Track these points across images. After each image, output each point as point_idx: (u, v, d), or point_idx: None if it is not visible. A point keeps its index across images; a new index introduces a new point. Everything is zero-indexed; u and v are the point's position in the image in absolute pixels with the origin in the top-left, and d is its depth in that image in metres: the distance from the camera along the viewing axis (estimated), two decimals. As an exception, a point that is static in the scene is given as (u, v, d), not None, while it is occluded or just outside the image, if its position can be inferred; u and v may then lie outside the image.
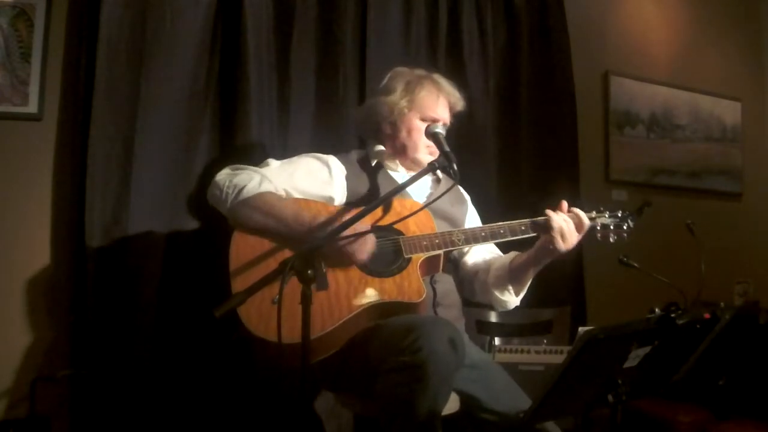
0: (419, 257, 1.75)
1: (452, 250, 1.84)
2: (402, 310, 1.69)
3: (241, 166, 1.86)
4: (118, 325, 2.16)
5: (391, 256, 1.75)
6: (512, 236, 1.81)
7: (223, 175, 1.82)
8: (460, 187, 2.13)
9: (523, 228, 1.81)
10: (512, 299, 1.96)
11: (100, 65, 2.20)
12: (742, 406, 2.52)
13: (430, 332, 1.48)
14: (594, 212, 1.87)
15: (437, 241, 1.77)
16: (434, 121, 1.93)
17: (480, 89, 2.88)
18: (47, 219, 2.24)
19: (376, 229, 1.74)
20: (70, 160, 2.25)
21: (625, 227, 1.86)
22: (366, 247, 1.68)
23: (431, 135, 1.85)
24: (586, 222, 1.81)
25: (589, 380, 1.31)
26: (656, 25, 3.63)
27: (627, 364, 1.32)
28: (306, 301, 1.28)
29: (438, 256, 1.79)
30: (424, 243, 1.76)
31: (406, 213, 1.78)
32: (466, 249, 2.00)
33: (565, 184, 3.00)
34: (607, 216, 1.87)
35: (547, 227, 1.79)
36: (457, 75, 2.81)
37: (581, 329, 1.32)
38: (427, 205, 1.78)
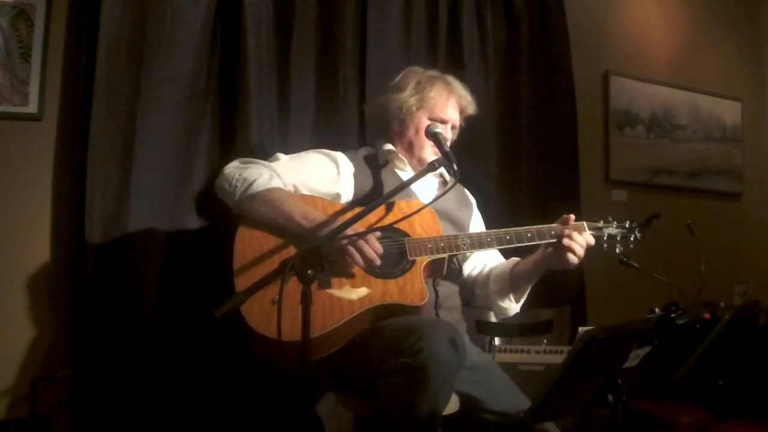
0: (423, 260, 1.75)
1: (457, 254, 1.84)
2: (404, 313, 1.69)
3: (251, 159, 1.86)
4: (118, 325, 2.16)
5: (395, 258, 1.75)
6: (518, 243, 1.80)
7: (232, 168, 1.82)
8: (467, 191, 2.13)
9: (529, 235, 1.80)
10: (513, 306, 1.96)
11: (100, 65, 2.20)
12: (742, 406, 2.52)
13: (431, 333, 1.48)
14: (601, 222, 1.85)
15: (442, 244, 1.76)
16: (443, 121, 1.93)
17: (480, 89, 2.87)
18: (47, 219, 2.24)
19: (380, 229, 1.73)
20: (70, 160, 2.25)
21: (632, 238, 1.85)
22: (368, 255, 1.66)
23: (431, 135, 1.85)
24: (591, 243, 1.80)
25: (589, 380, 1.31)
26: (656, 25, 3.63)
27: (627, 364, 1.32)
28: (306, 301, 1.28)
29: (442, 259, 1.78)
30: (429, 246, 1.76)
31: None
32: (469, 253, 2.00)
33: (565, 184, 3.01)
34: (614, 226, 1.85)
35: (557, 239, 1.77)
36: (457, 75, 2.79)
37: (581, 329, 1.32)
38: (427, 205, 1.77)
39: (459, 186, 2.01)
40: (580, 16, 3.24)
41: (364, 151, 1.99)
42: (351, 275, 1.70)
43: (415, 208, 1.79)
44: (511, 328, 2.54)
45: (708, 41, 3.78)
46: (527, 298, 2.03)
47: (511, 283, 1.90)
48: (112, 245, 2.19)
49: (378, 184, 1.88)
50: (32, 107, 2.23)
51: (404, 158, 1.97)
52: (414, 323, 1.56)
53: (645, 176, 3.49)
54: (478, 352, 1.84)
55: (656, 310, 1.29)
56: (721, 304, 1.58)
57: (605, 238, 1.84)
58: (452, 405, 1.65)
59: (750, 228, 3.83)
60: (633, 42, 3.52)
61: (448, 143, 1.94)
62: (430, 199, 1.92)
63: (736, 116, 3.84)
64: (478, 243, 1.80)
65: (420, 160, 1.94)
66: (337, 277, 1.70)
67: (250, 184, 1.75)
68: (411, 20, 2.76)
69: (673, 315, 1.27)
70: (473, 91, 2.81)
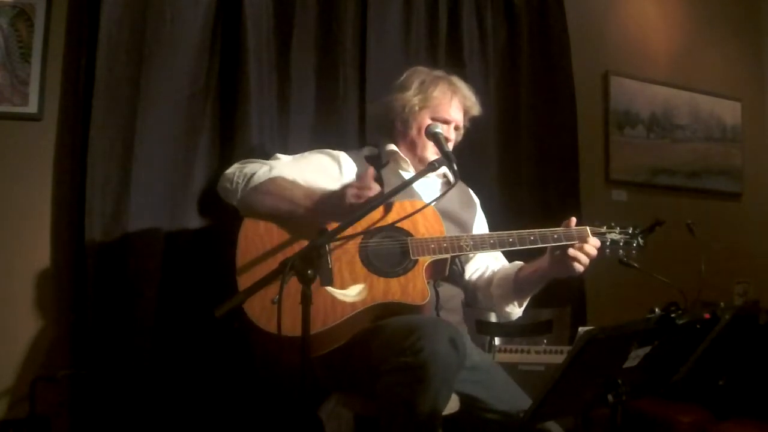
0: (426, 260, 1.75)
1: (459, 255, 1.84)
2: (405, 312, 1.69)
3: (250, 159, 1.86)
4: (118, 325, 2.16)
5: (397, 257, 1.75)
6: (521, 245, 1.79)
7: (233, 168, 1.84)
8: (471, 191, 2.13)
9: (532, 238, 1.79)
10: (516, 311, 1.96)
11: (100, 65, 2.20)
12: (742, 406, 2.52)
13: (431, 333, 1.48)
14: (604, 227, 1.84)
15: (445, 245, 1.76)
16: (445, 122, 1.93)
17: (480, 89, 2.86)
18: (47, 219, 2.24)
19: (383, 228, 1.73)
20: (70, 160, 2.25)
21: (634, 244, 1.84)
22: (369, 187, 1.64)
23: (431, 135, 1.85)
24: (598, 245, 1.79)
25: (589, 380, 1.31)
26: (656, 25, 3.63)
27: (627, 364, 1.32)
28: (306, 301, 1.28)
29: (444, 260, 1.78)
30: (432, 246, 1.76)
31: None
32: (471, 255, 2.00)
33: (565, 184, 3.01)
34: (617, 232, 1.85)
35: (561, 250, 1.77)
36: (458, 75, 2.80)
37: (581, 329, 1.32)
38: (429, 204, 1.77)
39: (463, 186, 2.01)
40: (580, 16, 3.24)
41: (366, 151, 1.99)
42: (354, 272, 1.70)
43: (416, 207, 1.79)
44: (511, 328, 2.53)
45: (708, 41, 3.78)
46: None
47: (515, 289, 1.90)
48: (112, 245, 2.19)
49: (380, 184, 1.88)
50: (32, 107, 2.23)
51: (407, 158, 1.97)
52: (415, 322, 1.56)
53: (645, 176, 3.49)
54: (479, 352, 1.84)
55: (656, 310, 1.29)
56: (721, 304, 1.58)
57: (608, 244, 1.83)
58: (453, 405, 1.65)
59: (750, 228, 3.83)
60: (633, 42, 3.52)
61: (451, 144, 1.94)
62: (431, 198, 1.93)
63: (736, 116, 3.84)
64: (481, 245, 1.80)
65: (422, 160, 1.94)
66: (340, 273, 1.70)
67: (251, 178, 1.76)
68: (411, 20, 2.76)
69: (673, 315, 1.27)
70: (473, 91, 2.83)
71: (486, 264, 2.02)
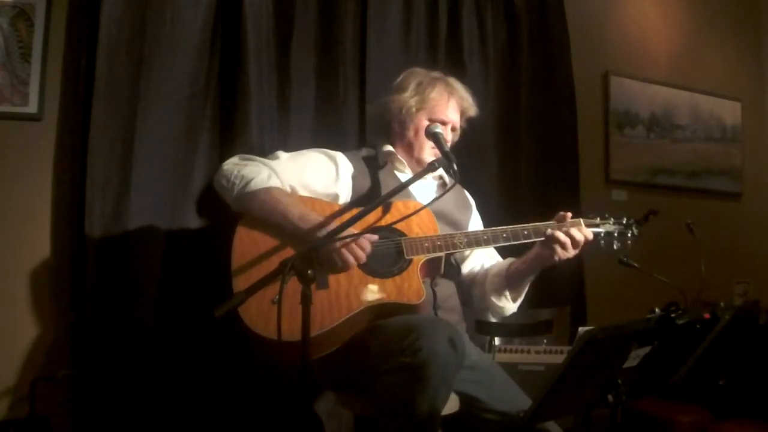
0: (420, 259, 1.75)
1: (454, 253, 1.84)
2: (401, 311, 1.70)
3: (250, 156, 1.86)
4: (118, 325, 2.16)
5: (392, 257, 1.75)
6: (514, 240, 1.81)
7: (231, 165, 1.83)
8: (466, 192, 2.13)
9: (526, 233, 1.80)
10: (509, 305, 1.96)
11: (100, 65, 2.19)
12: (742, 406, 2.52)
13: (430, 332, 1.48)
14: (598, 218, 1.85)
15: (439, 243, 1.77)
16: (443, 123, 1.93)
17: (480, 89, 2.87)
18: (47, 219, 2.24)
19: (378, 229, 1.74)
20: (70, 160, 2.25)
21: (629, 235, 1.85)
22: (358, 255, 1.67)
23: (431, 135, 1.85)
24: (590, 238, 1.80)
25: (589, 380, 1.31)
26: (656, 25, 3.63)
27: (627, 364, 1.32)
28: (306, 301, 1.28)
29: (439, 258, 1.79)
30: (426, 245, 1.76)
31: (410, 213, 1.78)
32: (466, 253, 2.00)
33: (565, 184, 3.01)
34: (611, 223, 1.86)
35: (549, 235, 1.78)
36: (457, 75, 2.79)
37: (581, 329, 1.32)
38: (429, 204, 1.77)
39: (458, 187, 2.01)
40: (580, 16, 3.24)
41: (364, 152, 1.99)
42: (349, 274, 1.71)
43: (412, 209, 1.79)
44: (511, 328, 2.53)
45: (708, 41, 3.78)
46: (527, 298, 2.02)
47: (507, 281, 1.90)
48: (112, 245, 2.18)
49: (376, 185, 1.88)
50: (32, 107, 2.23)
51: (404, 159, 1.97)
52: (413, 322, 1.56)
53: (645, 176, 3.49)
54: (477, 351, 1.84)
55: (656, 310, 1.29)
56: (721, 304, 1.58)
57: (602, 235, 1.84)
58: (452, 405, 1.65)
59: (750, 228, 3.83)
60: (633, 42, 3.52)
61: (448, 145, 1.94)
62: (428, 199, 1.93)
63: (736, 116, 3.84)
64: (475, 241, 1.81)
65: (419, 161, 1.94)
66: (336, 276, 1.70)
67: (248, 182, 1.75)
68: (411, 20, 2.76)
69: (673, 315, 1.27)
70: (473, 91, 2.83)
71: (481, 262, 2.02)
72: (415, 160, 1.95)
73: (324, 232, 1.66)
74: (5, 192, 2.20)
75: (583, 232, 1.78)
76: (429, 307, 1.80)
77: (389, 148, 1.98)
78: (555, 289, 2.83)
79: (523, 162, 2.96)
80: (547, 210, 2.54)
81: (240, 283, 1.68)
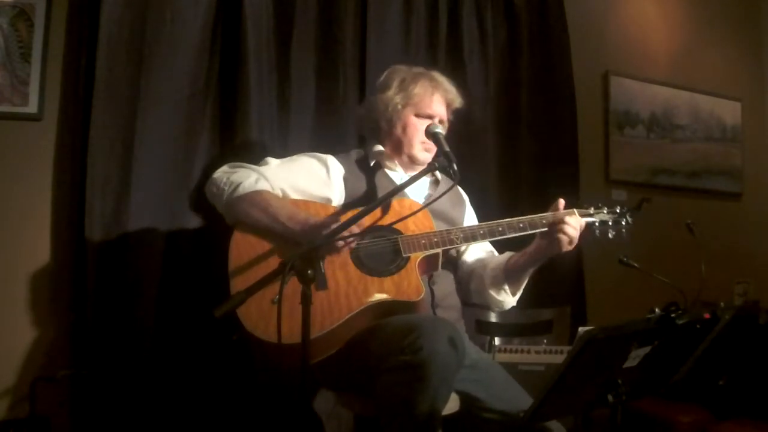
0: (417, 256, 1.75)
1: (451, 249, 1.84)
2: (401, 309, 1.69)
3: (239, 163, 1.86)
4: (118, 325, 2.16)
5: (389, 256, 1.76)
6: (511, 234, 1.81)
7: (221, 173, 1.83)
8: (460, 188, 2.13)
9: (521, 225, 1.81)
10: (508, 299, 1.95)
11: (100, 65, 2.20)
12: (742, 406, 2.52)
13: (430, 331, 1.48)
14: (592, 208, 1.87)
15: (436, 239, 1.77)
16: (429, 117, 1.93)
17: (480, 89, 2.88)
18: (47, 219, 2.24)
19: (374, 228, 1.74)
20: (70, 160, 2.25)
21: (623, 223, 1.86)
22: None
23: (431, 135, 1.85)
24: (582, 224, 1.80)
25: (589, 380, 1.31)
26: (656, 25, 3.63)
27: (627, 364, 1.32)
28: (306, 301, 1.28)
29: (436, 254, 1.79)
30: (423, 242, 1.76)
31: (406, 213, 1.78)
32: (463, 248, 2.00)
33: (565, 184, 3.00)
34: (605, 212, 1.87)
35: (548, 226, 1.78)
36: (457, 75, 2.80)
37: (581, 329, 1.32)
38: (426, 206, 1.78)
39: (451, 183, 2.01)
40: (580, 16, 3.24)
41: (355, 154, 1.99)
42: (348, 275, 1.71)
43: (408, 207, 1.80)
44: (510, 328, 2.54)
45: (708, 41, 3.78)
46: (527, 298, 2.02)
47: (506, 274, 1.90)
48: (112, 245, 2.19)
49: (368, 185, 1.89)
50: (32, 107, 2.23)
51: (394, 158, 1.97)
52: (413, 321, 1.56)
53: (645, 176, 3.49)
54: (477, 350, 1.84)
55: (656, 310, 1.29)
56: (721, 304, 1.58)
57: (597, 224, 1.85)
58: (453, 405, 1.65)
59: (750, 228, 3.83)
60: (633, 42, 3.52)
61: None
62: (422, 198, 1.95)
63: (736, 116, 3.84)
64: (471, 236, 1.81)
65: (410, 158, 1.95)
66: (334, 277, 1.70)
67: (237, 187, 1.76)
68: (411, 20, 2.76)
69: (673, 315, 1.27)
70: (473, 91, 2.84)
71: (479, 257, 2.02)
72: (406, 156, 1.95)
73: (315, 232, 1.65)
74: (5, 192, 2.20)
75: (579, 221, 1.79)
76: (428, 305, 1.80)
77: (379, 147, 1.98)
78: (555, 289, 2.83)
79: (523, 162, 2.96)
80: (546, 210, 2.54)
81: (238, 287, 1.67)
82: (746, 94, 3.90)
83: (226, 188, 1.77)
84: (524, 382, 1.75)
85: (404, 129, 1.93)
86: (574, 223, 1.77)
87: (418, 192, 1.95)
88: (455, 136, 2.68)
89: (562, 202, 1.81)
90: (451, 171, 1.67)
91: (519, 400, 1.66)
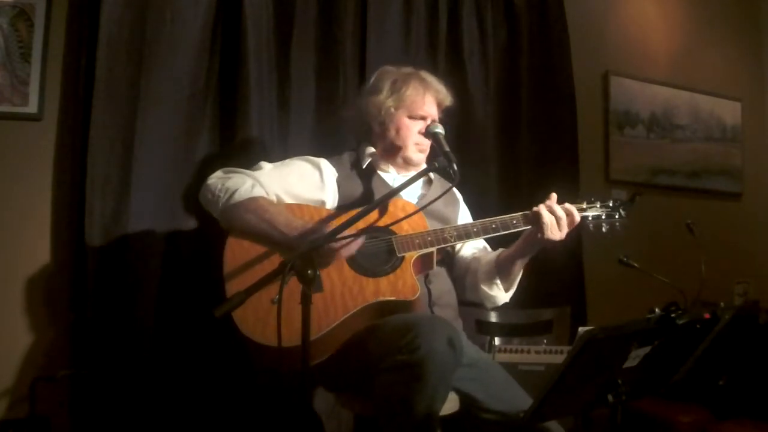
0: (412, 255, 1.76)
1: (445, 247, 1.84)
2: (398, 309, 1.70)
3: (234, 169, 1.86)
4: (118, 325, 2.16)
5: (384, 256, 1.76)
6: (504, 230, 1.81)
7: (215, 179, 1.83)
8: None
9: (515, 222, 1.81)
10: (501, 294, 1.95)
11: (100, 65, 2.20)
12: (742, 406, 2.52)
13: (428, 331, 1.48)
14: (585, 203, 1.87)
15: (429, 238, 1.77)
16: (422, 118, 1.93)
17: (480, 89, 2.88)
18: (47, 219, 2.24)
19: (368, 229, 1.74)
20: (70, 160, 2.25)
21: (617, 217, 1.86)
22: (352, 247, 1.68)
23: (431, 135, 1.85)
24: (578, 218, 1.80)
25: (589, 380, 1.31)
26: (656, 25, 3.63)
27: (627, 364, 1.32)
28: (306, 301, 1.28)
29: (431, 253, 1.79)
30: (417, 241, 1.76)
31: (399, 213, 1.79)
32: (458, 246, 2.01)
33: (565, 184, 3.00)
34: (598, 206, 1.87)
35: (534, 212, 1.79)
36: (457, 75, 2.81)
37: (581, 329, 1.32)
38: (423, 208, 1.78)
39: (445, 183, 2.02)
40: (580, 16, 3.24)
41: (347, 156, 1.99)
42: (343, 276, 1.71)
43: (401, 207, 1.80)
44: (511, 328, 2.54)
45: (708, 41, 3.78)
46: (527, 298, 2.02)
47: (498, 268, 1.90)
48: (112, 245, 2.19)
49: (361, 187, 1.89)
50: (32, 107, 2.23)
51: (387, 159, 1.97)
52: (411, 320, 1.56)
53: (645, 176, 3.49)
54: (476, 349, 1.84)
55: (656, 310, 1.29)
56: (721, 304, 1.58)
57: (590, 219, 1.85)
58: (452, 405, 1.65)
59: (750, 228, 3.83)
60: (633, 42, 3.52)
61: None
62: (415, 197, 1.96)
63: (736, 116, 3.84)
64: (465, 234, 1.81)
65: (405, 160, 1.95)
66: (329, 278, 1.70)
67: (233, 194, 1.76)
68: (411, 20, 2.76)
69: (673, 315, 1.27)
70: (473, 91, 2.84)
71: (472, 254, 2.02)
72: (400, 158, 1.96)
73: (312, 237, 1.65)
74: (5, 192, 2.20)
75: (566, 208, 1.78)
76: (424, 304, 1.80)
77: (371, 149, 1.98)
78: (555, 289, 2.83)
79: (523, 162, 2.96)
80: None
81: (233, 292, 1.67)
82: (746, 94, 3.90)
83: (222, 195, 1.77)
84: (524, 382, 1.75)
85: (398, 131, 1.93)
86: (555, 209, 1.77)
87: (412, 191, 1.95)
88: (455, 136, 2.71)
89: (553, 196, 1.81)
90: (451, 171, 1.67)
91: (518, 399, 1.66)
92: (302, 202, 1.84)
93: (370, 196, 1.88)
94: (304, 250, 1.36)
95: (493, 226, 1.81)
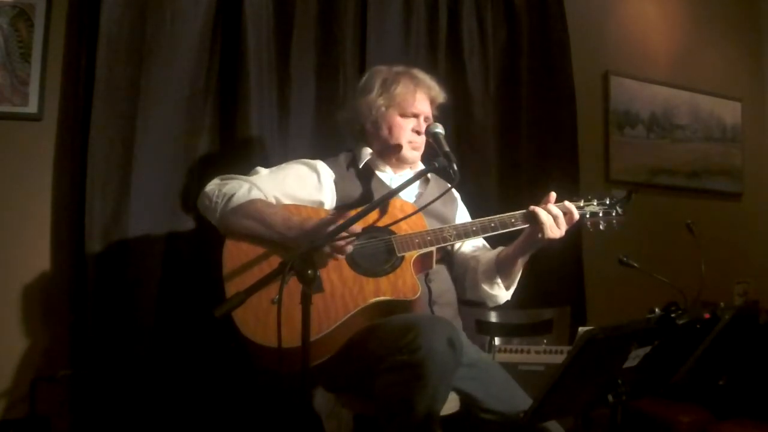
0: (412, 255, 1.75)
1: (444, 246, 1.84)
2: (398, 309, 1.70)
3: (230, 175, 1.86)
4: (118, 325, 2.16)
5: (384, 256, 1.76)
6: (503, 229, 1.81)
7: (213, 185, 1.84)
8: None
9: (513, 220, 1.81)
10: (502, 293, 1.95)
11: (100, 65, 2.20)
12: (742, 406, 2.52)
13: (428, 331, 1.48)
14: (582, 201, 1.87)
15: (429, 238, 1.77)
16: (414, 116, 1.93)
17: (480, 89, 2.88)
18: (47, 219, 2.24)
19: (367, 229, 1.74)
20: (70, 160, 2.25)
21: (614, 213, 1.86)
22: (349, 247, 1.68)
23: (431, 135, 1.85)
24: (576, 216, 1.81)
25: (589, 380, 1.31)
26: (656, 25, 3.63)
27: (627, 364, 1.32)
28: (306, 301, 1.28)
29: (430, 253, 1.79)
30: (416, 240, 1.76)
31: (398, 212, 1.79)
32: (457, 246, 2.01)
33: (565, 184, 2.99)
34: (595, 204, 1.88)
35: (531, 211, 1.79)
36: (457, 75, 2.81)
37: (581, 329, 1.32)
38: (422, 209, 1.77)
39: (442, 182, 2.02)
40: (580, 16, 3.24)
41: (343, 157, 1.99)
42: (343, 276, 1.71)
43: (399, 206, 1.81)
44: (511, 328, 2.54)
45: (708, 41, 3.78)
46: (527, 298, 2.02)
47: (498, 267, 1.90)
48: (112, 245, 2.19)
49: (359, 187, 1.89)
50: (32, 107, 2.23)
51: (382, 159, 1.97)
52: (411, 321, 1.56)
53: (645, 176, 3.49)
54: (476, 349, 1.84)
55: (656, 310, 1.29)
56: (721, 304, 1.58)
57: (587, 216, 1.85)
58: (452, 405, 1.65)
59: (750, 228, 3.83)
60: (633, 42, 3.52)
61: (423, 137, 1.95)
62: (413, 196, 1.96)
63: (736, 116, 3.84)
64: (464, 233, 1.81)
65: (399, 159, 1.95)
66: (329, 279, 1.70)
67: (230, 198, 1.76)
68: (411, 20, 2.76)
69: (673, 315, 1.27)
70: (473, 91, 2.84)
71: (472, 253, 2.02)
72: (394, 158, 1.96)
73: (310, 236, 1.65)
74: (5, 192, 2.21)
75: (564, 206, 1.79)
76: (425, 303, 1.80)
77: (367, 149, 1.98)
78: (555, 289, 2.83)
79: (523, 162, 2.96)
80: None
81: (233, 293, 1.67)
82: (746, 94, 3.90)
83: (219, 200, 1.77)
84: (524, 382, 1.75)
85: (390, 130, 1.93)
86: (551, 208, 1.77)
87: (409, 190, 1.95)
88: (455, 137, 2.71)
89: (552, 195, 1.82)
90: (450, 171, 1.67)
91: (517, 399, 1.66)
92: (300, 203, 1.84)
93: (367, 195, 1.88)
94: (304, 250, 1.36)
95: (492, 224, 1.81)
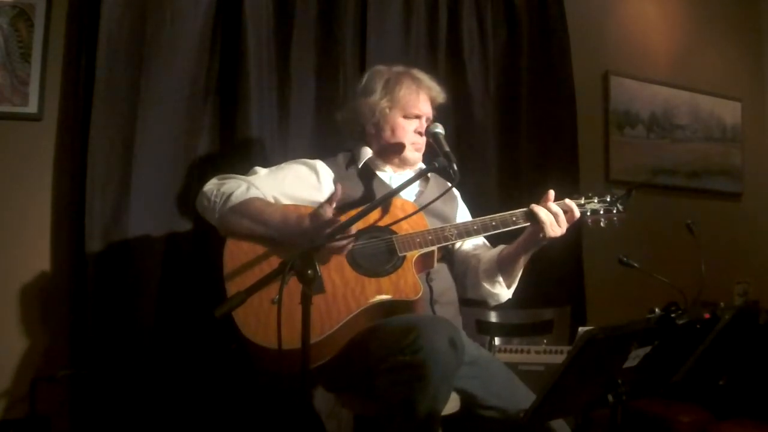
0: (413, 254, 1.75)
1: (446, 245, 1.85)
2: (400, 309, 1.69)
3: (228, 175, 1.86)
4: (118, 325, 2.16)
5: (385, 256, 1.75)
6: (504, 228, 1.81)
7: (211, 185, 1.83)
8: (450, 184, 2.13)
9: (514, 219, 1.81)
10: (503, 291, 1.95)
11: (100, 65, 2.20)
12: (742, 406, 2.52)
13: (430, 331, 1.48)
14: (583, 198, 1.87)
15: (430, 237, 1.77)
16: (417, 117, 1.94)
17: (480, 89, 2.88)
18: (47, 219, 2.25)
19: (367, 229, 1.74)
20: (70, 160, 2.25)
21: (614, 211, 1.86)
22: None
23: (431, 135, 1.86)
24: (577, 214, 1.81)
25: (589, 380, 1.31)
26: (656, 25, 3.63)
27: (627, 364, 1.32)
28: (306, 301, 1.28)
29: (432, 252, 1.79)
30: (418, 240, 1.76)
31: (399, 212, 1.78)
32: (458, 244, 2.01)
33: (565, 184, 2.99)
34: (596, 201, 1.87)
35: (536, 217, 1.79)
36: (457, 75, 2.81)
37: (581, 329, 1.32)
38: (423, 208, 1.77)
39: (441, 181, 2.02)
40: (580, 16, 3.24)
41: (342, 157, 1.99)
42: (344, 277, 1.71)
43: (400, 206, 1.81)
44: (511, 328, 2.54)
45: (708, 41, 3.78)
46: (527, 297, 2.02)
47: (499, 265, 1.90)
48: (112, 245, 2.19)
49: (358, 187, 1.89)
50: (32, 107, 2.23)
51: (383, 159, 1.97)
52: (413, 321, 1.56)
53: (645, 176, 3.49)
54: (477, 347, 1.84)
55: (656, 310, 1.29)
56: (721, 304, 1.58)
57: (588, 214, 1.85)
58: (453, 405, 1.65)
59: (750, 228, 3.83)
60: (633, 42, 3.52)
61: (424, 139, 1.95)
62: (413, 195, 1.96)
63: (736, 116, 3.84)
64: (465, 232, 1.81)
65: (401, 160, 1.95)
66: (331, 279, 1.70)
67: (228, 197, 1.76)
68: (411, 20, 2.76)
69: (673, 315, 1.27)
70: (473, 91, 2.83)
71: (473, 252, 2.02)
72: (396, 158, 1.96)
73: (308, 233, 1.65)
74: (5, 192, 2.21)
75: (565, 204, 1.80)
76: (426, 302, 1.80)
77: (367, 149, 1.98)
78: (555, 289, 2.83)
79: (523, 162, 2.96)
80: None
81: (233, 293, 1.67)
82: (746, 94, 3.90)
83: (218, 200, 1.77)
84: (524, 382, 1.75)
85: (393, 131, 1.93)
86: (551, 206, 1.77)
87: (409, 189, 1.95)
88: (455, 137, 2.71)
89: (551, 193, 1.82)
90: (451, 171, 1.67)
91: (519, 397, 1.66)
92: (300, 203, 1.84)
93: (367, 195, 1.88)
94: (304, 249, 1.36)
95: (493, 223, 1.81)
